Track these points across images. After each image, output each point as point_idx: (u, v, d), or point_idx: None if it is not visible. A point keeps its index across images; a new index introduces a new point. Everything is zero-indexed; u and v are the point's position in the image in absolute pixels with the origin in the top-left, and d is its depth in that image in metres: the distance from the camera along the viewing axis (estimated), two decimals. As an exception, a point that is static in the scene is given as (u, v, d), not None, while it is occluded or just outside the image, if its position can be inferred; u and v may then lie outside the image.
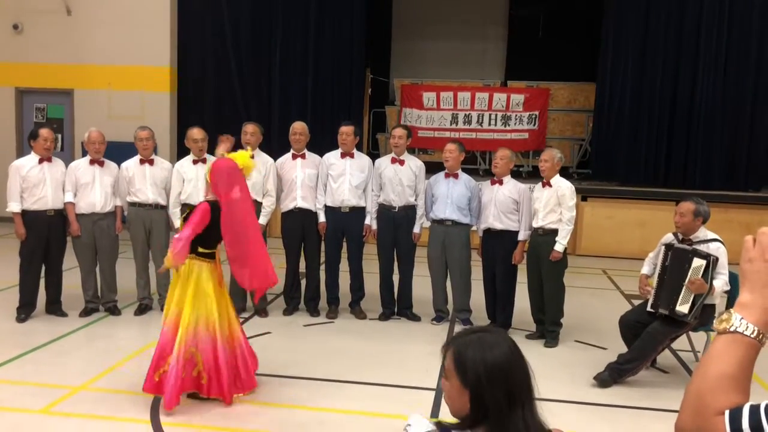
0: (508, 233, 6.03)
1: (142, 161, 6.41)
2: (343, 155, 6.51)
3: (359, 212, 6.49)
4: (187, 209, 4.91)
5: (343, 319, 6.59)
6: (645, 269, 5.34)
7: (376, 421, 4.28)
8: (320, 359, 5.43)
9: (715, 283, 4.81)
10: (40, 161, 6.14)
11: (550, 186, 5.86)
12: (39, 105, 11.87)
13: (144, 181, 6.34)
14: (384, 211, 6.46)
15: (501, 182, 6.11)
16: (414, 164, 6.51)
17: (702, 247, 4.90)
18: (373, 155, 9.58)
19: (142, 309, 6.54)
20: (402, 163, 6.45)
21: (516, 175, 7.42)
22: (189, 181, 6.36)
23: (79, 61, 11.45)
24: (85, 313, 6.40)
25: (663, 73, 10.86)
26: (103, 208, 6.30)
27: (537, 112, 12.02)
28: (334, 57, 11.77)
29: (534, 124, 12.03)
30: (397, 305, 6.67)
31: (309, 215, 6.52)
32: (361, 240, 6.58)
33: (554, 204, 5.81)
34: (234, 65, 11.76)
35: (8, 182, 6.08)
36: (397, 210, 6.42)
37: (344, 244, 6.62)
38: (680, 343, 5.41)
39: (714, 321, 1.20)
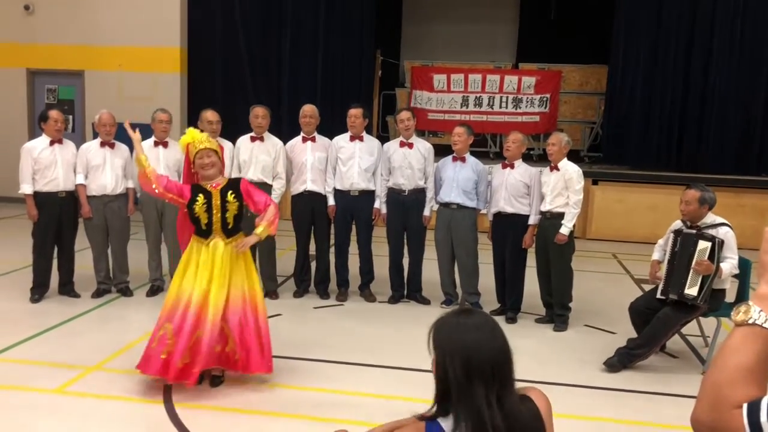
0: (519, 217, 6.02)
1: (156, 143, 6.43)
2: (352, 138, 6.49)
3: (368, 195, 6.49)
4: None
5: (352, 301, 6.62)
6: (656, 255, 5.33)
7: (388, 403, 4.31)
8: (330, 341, 5.46)
9: (723, 265, 4.80)
10: (51, 143, 6.16)
11: (558, 170, 5.84)
12: (50, 86, 11.90)
13: (157, 163, 6.33)
14: (393, 194, 6.45)
15: (512, 166, 6.09)
16: (423, 147, 6.48)
17: (710, 232, 4.89)
18: (383, 138, 9.56)
19: (154, 290, 6.61)
20: (411, 146, 6.42)
21: (527, 158, 7.38)
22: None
23: (90, 42, 11.46)
24: (97, 294, 6.46)
25: (676, 57, 10.75)
26: (114, 190, 6.33)
27: (548, 95, 11.93)
28: (344, 39, 11.71)
29: (545, 107, 11.94)
30: (407, 288, 6.69)
31: (319, 198, 6.53)
32: (370, 223, 6.59)
33: (562, 188, 5.79)
34: (244, 46, 11.73)
35: (20, 164, 6.11)
36: (407, 193, 6.41)
37: (354, 227, 6.64)
38: (690, 328, 5.40)
39: (732, 313, 1.20)
